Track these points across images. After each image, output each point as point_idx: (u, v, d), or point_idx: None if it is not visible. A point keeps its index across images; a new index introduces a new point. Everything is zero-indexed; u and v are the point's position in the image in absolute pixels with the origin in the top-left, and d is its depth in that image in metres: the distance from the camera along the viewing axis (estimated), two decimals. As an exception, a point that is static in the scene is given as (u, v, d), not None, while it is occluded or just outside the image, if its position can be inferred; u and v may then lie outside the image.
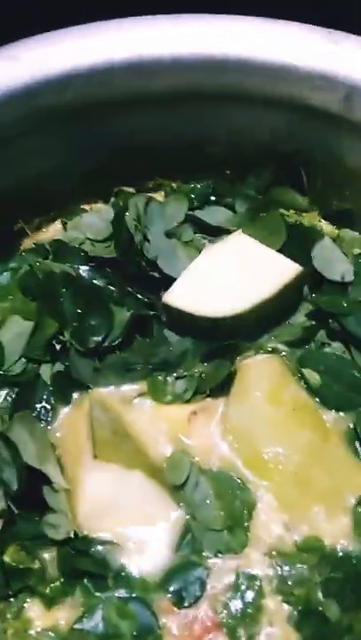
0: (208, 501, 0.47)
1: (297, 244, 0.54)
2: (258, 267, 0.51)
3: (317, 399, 0.51)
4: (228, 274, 0.51)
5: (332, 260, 0.53)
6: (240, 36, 0.48)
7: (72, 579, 0.47)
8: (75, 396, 0.52)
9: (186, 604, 0.45)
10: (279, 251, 0.54)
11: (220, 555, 0.46)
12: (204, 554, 0.46)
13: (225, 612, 0.46)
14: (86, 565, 0.46)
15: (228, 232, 0.56)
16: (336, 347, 0.53)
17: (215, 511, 0.47)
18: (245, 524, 0.47)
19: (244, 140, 0.54)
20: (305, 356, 0.52)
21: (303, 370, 0.52)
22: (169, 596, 0.46)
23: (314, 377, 0.51)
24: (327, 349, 0.53)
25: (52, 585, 0.47)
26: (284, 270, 0.51)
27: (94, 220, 0.56)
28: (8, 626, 0.46)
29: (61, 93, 0.48)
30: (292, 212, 0.57)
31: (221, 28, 0.48)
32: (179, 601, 0.46)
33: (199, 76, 0.49)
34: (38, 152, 0.52)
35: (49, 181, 0.55)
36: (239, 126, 0.53)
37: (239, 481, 0.48)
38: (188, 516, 0.47)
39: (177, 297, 0.51)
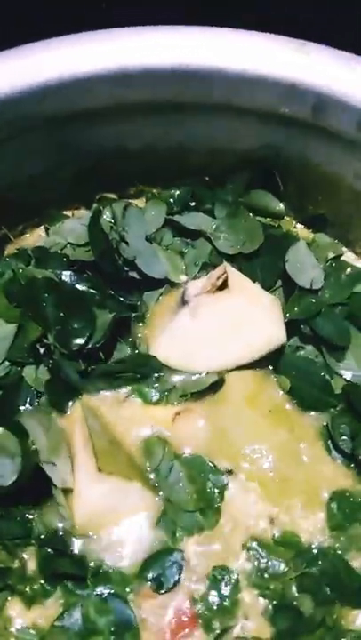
0: (181, 484, 0.49)
1: (273, 249, 0.56)
2: (246, 331, 0.52)
3: (294, 401, 0.53)
4: (215, 333, 0.52)
5: (304, 266, 0.54)
6: (215, 47, 0.49)
7: (52, 580, 0.48)
8: (70, 404, 0.53)
9: (164, 590, 0.47)
10: (256, 254, 0.56)
11: (194, 534, 0.49)
12: (179, 536, 0.48)
13: (201, 604, 0.47)
14: (65, 567, 0.48)
15: (206, 236, 0.57)
16: (309, 350, 0.54)
17: (187, 494, 0.49)
18: (216, 505, 0.49)
19: (220, 147, 0.55)
20: (279, 363, 0.54)
21: (276, 376, 0.53)
22: (149, 583, 0.47)
23: (285, 382, 0.53)
24: (300, 353, 0.55)
25: (31, 584, 0.48)
26: (271, 339, 0.52)
27: (76, 225, 0.58)
28: (-10, 623, 0.47)
29: (42, 102, 0.49)
30: (268, 219, 0.59)
31: (200, 38, 0.49)
32: (158, 586, 0.47)
33: (176, 87, 0.50)
34: (21, 159, 0.54)
35: (32, 188, 0.56)
36: (216, 134, 0.54)
37: (211, 465, 0.50)
38: (164, 499, 0.49)
39: (160, 350, 0.53)
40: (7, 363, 0.54)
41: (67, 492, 0.49)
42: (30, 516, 0.50)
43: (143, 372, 0.53)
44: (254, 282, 0.55)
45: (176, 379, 0.53)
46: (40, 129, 0.52)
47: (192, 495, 0.49)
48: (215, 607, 0.47)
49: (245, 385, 0.53)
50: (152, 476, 0.50)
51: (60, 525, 0.49)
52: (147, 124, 0.54)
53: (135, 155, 0.56)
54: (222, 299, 0.52)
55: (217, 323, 0.52)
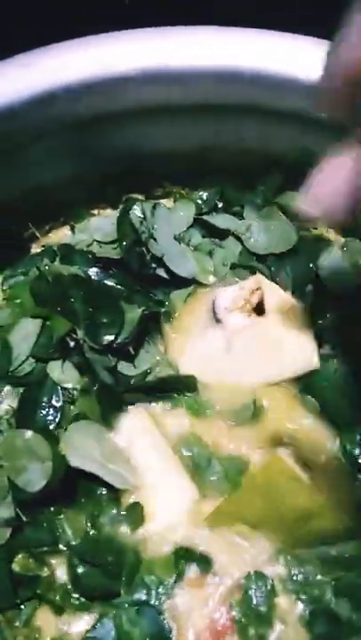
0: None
1: (305, 251, 0.56)
2: (280, 356, 0.52)
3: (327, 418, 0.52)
4: (249, 357, 0.52)
5: (337, 272, 0.54)
6: (250, 48, 0.49)
7: (87, 595, 0.47)
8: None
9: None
10: (287, 255, 0.55)
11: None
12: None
13: (237, 609, 0.46)
14: (99, 581, 0.47)
15: (236, 236, 0.57)
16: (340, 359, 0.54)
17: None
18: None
19: (252, 149, 0.56)
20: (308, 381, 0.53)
21: (304, 396, 0.53)
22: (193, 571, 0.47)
23: (313, 403, 0.53)
24: (333, 361, 0.54)
25: (62, 594, 0.47)
26: (305, 365, 0.52)
27: (102, 222, 0.57)
28: (17, 633, 0.46)
29: (74, 103, 0.49)
30: (301, 222, 0.58)
31: (232, 40, 0.49)
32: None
33: (208, 88, 0.50)
34: (51, 159, 0.53)
35: (61, 188, 0.55)
36: (247, 136, 0.55)
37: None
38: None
39: (191, 367, 0.53)
40: (32, 359, 0.53)
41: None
42: (58, 523, 0.48)
43: (179, 388, 0.53)
44: (285, 284, 0.55)
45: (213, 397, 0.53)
46: (68, 130, 0.51)
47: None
48: (251, 613, 0.46)
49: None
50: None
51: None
52: (176, 126, 0.54)
53: (164, 156, 0.56)
54: (258, 324, 0.52)
55: (252, 348, 0.52)
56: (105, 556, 0.47)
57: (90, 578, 0.46)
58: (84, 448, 0.47)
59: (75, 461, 0.47)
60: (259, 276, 0.54)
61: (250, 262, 0.56)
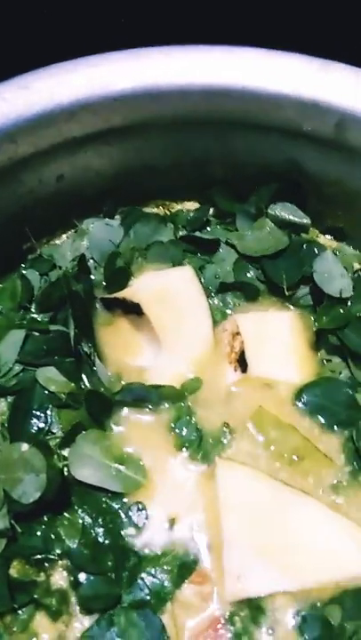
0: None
1: (297, 252, 0.58)
2: None
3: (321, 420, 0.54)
4: None
5: (332, 275, 0.57)
6: (240, 66, 0.52)
7: (88, 604, 0.48)
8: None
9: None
10: (280, 255, 0.58)
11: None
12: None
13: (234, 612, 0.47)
14: (100, 589, 0.48)
15: (230, 244, 0.60)
16: (336, 362, 0.56)
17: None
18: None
19: (243, 162, 0.58)
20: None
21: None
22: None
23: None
24: (327, 365, 0.56)
25: (57, 598, 0.48)
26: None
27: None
28: (15, 638, 0.47)
29: (70, 122, 0.51)
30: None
31: (223, 58, 0.52)
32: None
33: (202, 103, 0.53)
34: (51, 176, 0.56)
35: (59, 202, 0.58)
36: (239, 149, 0.57)
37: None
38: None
39: None
40: (19, 366, 0.55)
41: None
42: (53, 530, 0.50)
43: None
44: (280, 284, 0.57)
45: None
46: (65, 149, 0.54)
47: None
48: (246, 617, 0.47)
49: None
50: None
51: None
52: (171, 139, 0.57)
53: (158, 169, 0.59)
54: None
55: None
56: (105, 561, 0.49)
57: (91, 587, 0.48)
58: (90, 457, 0.50)
59: (80, 474, 0.50)
60: (237, 317, 0.56)
61: (242, 277, 0.58)
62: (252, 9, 0.69)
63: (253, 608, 0.47)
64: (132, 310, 0.56)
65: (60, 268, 0.60)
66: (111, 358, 0.56)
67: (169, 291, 0.56)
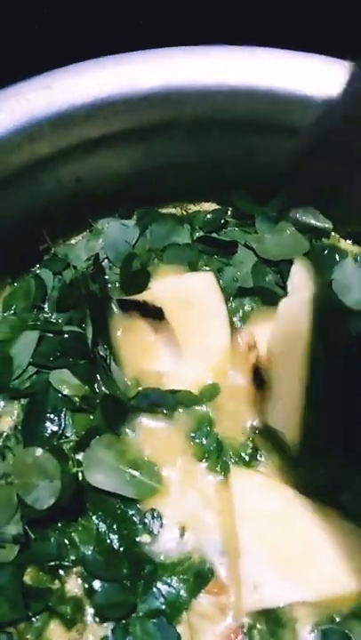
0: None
1: (318, 258, 0.58)
2: None
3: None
4: None
5: (351, 285, 0.56)
6: (265, 67, 0.52)
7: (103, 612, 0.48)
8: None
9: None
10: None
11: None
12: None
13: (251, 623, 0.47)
14: (115, 597, 0.48)
15: (249, 247, 0.59)
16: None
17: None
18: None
19: (265, 164, 0.57)
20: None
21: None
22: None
23: None
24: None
25: (72, 606, 0.48)
26: None
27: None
28: (29, 647, 0.47)
29: (89, 122, 0.51)
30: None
31: (249, 59, 0.52)
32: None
33: (225, 105, 0.53)
34: (69, 176, 0.56)
35: (76, 202, 0.58)
36: (261, 151, 0.57)
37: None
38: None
39: None
40: (33, 369, 0.55)
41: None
42: (67, 537, 0.50)
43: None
44: None
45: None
46: (82, 149, 0.54)
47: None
48: (265, 628, 0.46)
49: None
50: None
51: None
52: (191, 141, 0.56)
53: (178, 170, 0.59)
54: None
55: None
56: (120, 568, 0.48)
57: (106, 595, 0.48)
58: (105, 463, 0.49)
59: (94, 480, 0.49)
60: (254, 329, 0.56)
61: (261, 281, 0.58)
62: (277, 9, 0.69)
63: (272, 621, 0.46)
64: (151, 314, 0.56)
65: (75, 267, 0.60)
66: (127, 361, 0.56)
67: (190, 296, 0.56)
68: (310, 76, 0.51)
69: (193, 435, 0.53)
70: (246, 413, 0.53)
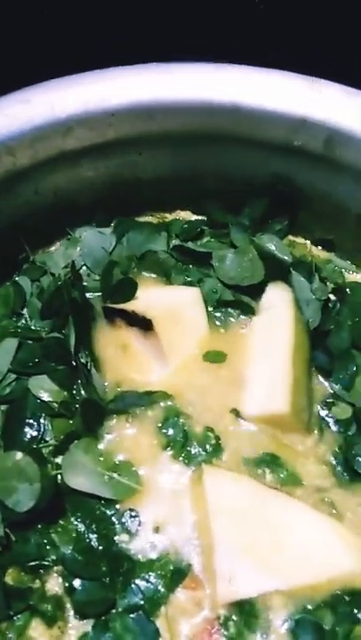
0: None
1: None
2: None
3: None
4: None
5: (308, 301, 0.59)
6: (232, 83, 0.54)
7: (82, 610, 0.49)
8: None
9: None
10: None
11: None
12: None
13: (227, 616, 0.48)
14: (95, 594, 0.49)
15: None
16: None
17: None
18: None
19: (235, 175, 0.60)
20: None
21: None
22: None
23: None
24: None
25: (53, 604, 0.49)
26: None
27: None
28: (12, 646, 0.48)
29: (68, 136, 0.53)
30: (286, 240, 0.63)
31: (216, 76, 0.54)
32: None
33: (195, 120, 0.55)
34: (47, 188, 0.58)
35: (54, 212, 0.60)
36: (231, 164, 0.59)
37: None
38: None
39: None
40: (12, 375, 0.56)
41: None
42: (47, 537, 0.51)
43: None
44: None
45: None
46: (61, 163, 0.56)
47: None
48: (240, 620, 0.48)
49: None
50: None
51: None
52: (167, 154, 0.59)
53: (155, 181, 0.61)
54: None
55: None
56: (99, 567, 0.50)
57: (86, 592, 0.49)
58: (84, 465, 0.51)
59: (74, 482, 0.51)
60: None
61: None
62: (244, 26, 0.71)
63: (246, 613, 0.48)
64: (139, 323, 0.58)
65: (53, 274, 0.61)
66: (109, 368, 0.57)
67: (178, 310, 0.59)
68: (277, 92, 0.53)
69: (164, 430, 0.54)
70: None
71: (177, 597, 0.49)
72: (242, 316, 0.61)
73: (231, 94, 0.53)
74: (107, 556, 0.50)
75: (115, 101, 0.53)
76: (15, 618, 0.49)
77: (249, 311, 0.60)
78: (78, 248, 0.63)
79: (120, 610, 0.48)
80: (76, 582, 0.50)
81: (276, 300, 0.58)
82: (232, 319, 0.60)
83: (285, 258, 0.59)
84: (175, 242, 0.63)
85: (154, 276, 0.62)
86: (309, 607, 0.48)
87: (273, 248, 0.59)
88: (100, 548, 0.50)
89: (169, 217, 0.65)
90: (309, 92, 0.53)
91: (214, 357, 0.57)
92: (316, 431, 0.56)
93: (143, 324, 0.57)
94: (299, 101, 0.53)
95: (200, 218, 0.64)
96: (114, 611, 0.48)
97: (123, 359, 0.58)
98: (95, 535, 0.51)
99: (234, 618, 0.48)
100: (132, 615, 0.48)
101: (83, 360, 0.55)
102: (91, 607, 0.49)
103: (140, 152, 0.58)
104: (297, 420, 0.54)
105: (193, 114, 0.54)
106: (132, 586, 0.49)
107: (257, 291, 0.60)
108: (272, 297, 0.59)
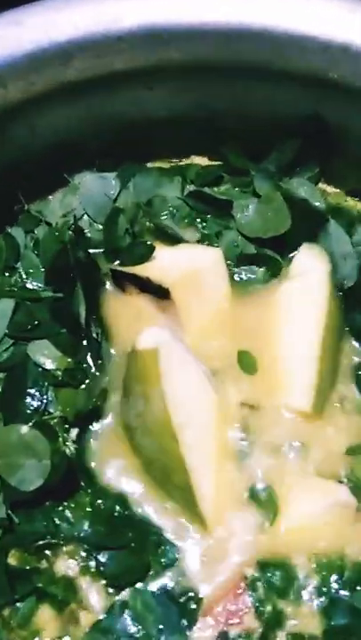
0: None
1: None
2: None
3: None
4: None
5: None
6: (259, 4, 0.47)
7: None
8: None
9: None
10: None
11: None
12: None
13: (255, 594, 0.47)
14: (124, 562, 0.47)
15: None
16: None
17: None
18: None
19: (260, 114, 0.54)
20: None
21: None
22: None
23: None
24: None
25: (63, 586, 0.47)
26: None
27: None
28: (15, 636, 0.46)
29: (66, 64, 0.47)
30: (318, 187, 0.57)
31: None
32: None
33: (217, 47, 0.48)
34: (44, 127, 0.52)
35: (56, 157, 0.55)
36: (255, 101, 0.53)
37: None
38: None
39: None
40: (9, 340, 0.52)
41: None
42: (57, 513, 0.48)
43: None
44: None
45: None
46: (64, 93, 0.50)
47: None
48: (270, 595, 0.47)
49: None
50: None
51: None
52: (180, 89, 0.52)
53: (161, 122, 0.55)
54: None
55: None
56: (124, 533, 0.48)
57: (116, 562, 0.47)
58: None
59: None
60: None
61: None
62: None
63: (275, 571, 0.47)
64: (153, 291, 0.53)
65: (49, 224, 0.56)
66: (120, 338, 0.53)
67: (197, 275, 0.53)
68: (312, 15, 0.47)
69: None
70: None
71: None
72: (268, 281, 0.55)
73: (261, 17, 0.46)
74: (131, 522, 0.48)
75: (123, 24, 0.46)
76: (19, 605, 0.46)
77: (276, 268, 0.55)
78: (78, 195, 0.57)
79: (141, 592, 0.46)
80: (103, 556, 0.47)
81: (310, 266, 0.53)
82: (258, 285, 0.55)
83: (319, 205, 0.54)
84: (190, 188, 0.56)
85: (166, 226, 0.56)
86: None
87: (304, 194, 0.54)
88: (124, 514, 0.48)
89: (183, 163, 0.58)
90: (351, 15, 0.46)
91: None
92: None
93: (158, 292, 0.52)
94: (339, 26, 0.46)
95: (218, 163, 0.58)
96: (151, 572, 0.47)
97: (136, 329, 0.52)
98: (117, 505, 0.49)
99: (261, 579, 0.47)
100: (155, 593, 0.46)
101: (92, 329, 0.51)
102: (126, 576, 0.47)
103: (150, 86, 0.51)
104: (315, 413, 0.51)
105: (215, 40, 0.47)
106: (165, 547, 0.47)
107: (285, 247, 0.55)
108: (306, 261, 0.54)
